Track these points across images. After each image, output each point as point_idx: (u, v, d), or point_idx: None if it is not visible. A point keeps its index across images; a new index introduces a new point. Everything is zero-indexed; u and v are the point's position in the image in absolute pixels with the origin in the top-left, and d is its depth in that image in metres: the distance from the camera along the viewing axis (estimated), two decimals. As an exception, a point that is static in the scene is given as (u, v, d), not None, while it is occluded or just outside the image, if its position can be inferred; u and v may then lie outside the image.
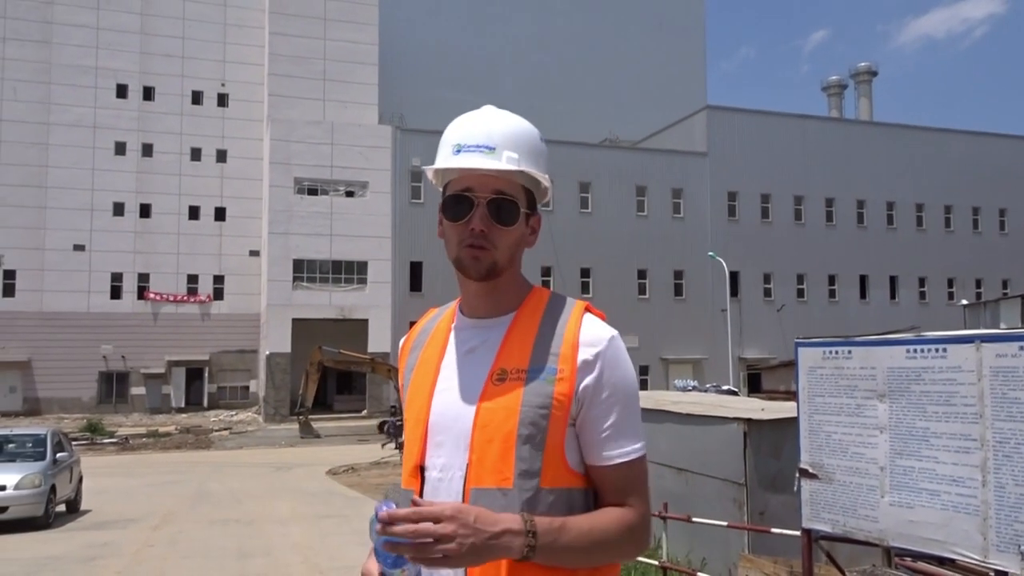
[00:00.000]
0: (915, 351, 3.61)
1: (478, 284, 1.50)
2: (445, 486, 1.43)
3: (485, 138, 1.47)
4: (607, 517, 1.43)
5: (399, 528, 1.22)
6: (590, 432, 1.45)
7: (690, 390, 24.03)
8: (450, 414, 1.46)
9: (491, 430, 1.41)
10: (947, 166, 49.63)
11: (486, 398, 1.44)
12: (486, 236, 1.46)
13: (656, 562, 6.78)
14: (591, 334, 1.47)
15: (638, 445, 1.47)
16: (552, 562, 1.36)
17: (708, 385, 31.01)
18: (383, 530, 1.23)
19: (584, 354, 1.45)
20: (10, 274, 42.52)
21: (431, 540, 1.22)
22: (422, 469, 1.47)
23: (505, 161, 1.46)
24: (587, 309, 1.52)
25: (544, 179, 1.52)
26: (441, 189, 1.57)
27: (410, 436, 1.52)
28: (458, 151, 1.48)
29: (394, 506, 1.25)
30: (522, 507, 1.37)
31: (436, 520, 1.23)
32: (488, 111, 1.53)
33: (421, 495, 1.45)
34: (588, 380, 1.44)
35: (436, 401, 1.49)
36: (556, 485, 1.41)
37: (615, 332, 1.50)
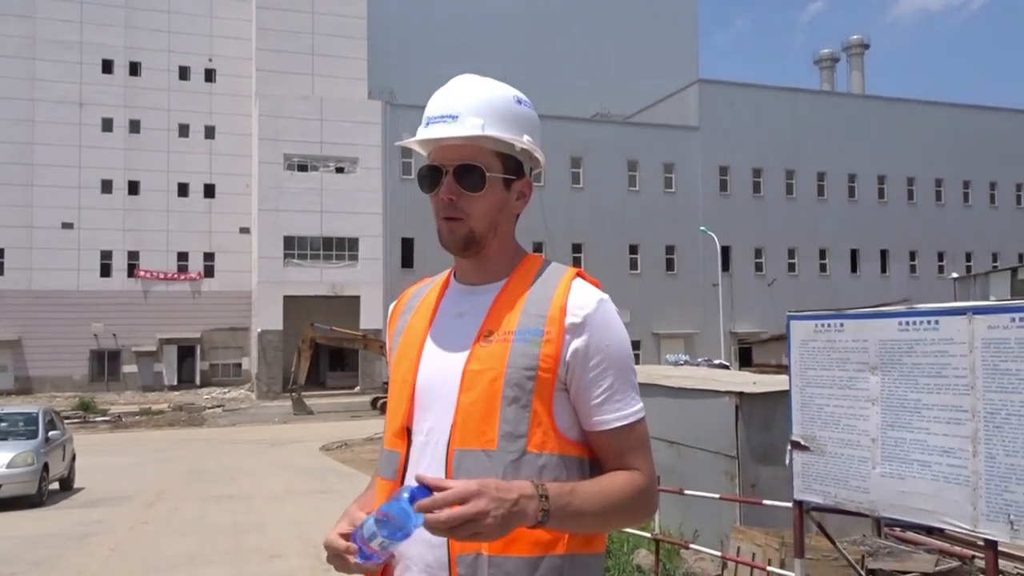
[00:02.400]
0: (907, 323, 3.62)
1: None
2: (431, 449, 1.43)
3: (449, 107, 1.48)
4: (616, 480, 1.43)
5: (436, 517, 1.22)
6: (584, 398, 1.44)
7: (682, 364, 24.15)
8: (437, 376, 1.46)
9: (476, 391, 1.41)
10: (938, 139, 49.64)
11: (472, 360, 1.43)
12: (455, 205, 1.47)
13: (648, 534, 6.83)
14: (580, 297, 1.46)
15: (636, 408, 1.47)
16: (565, 527, 1.36)
17: (700, 359, 31.17)
18: (424, 515, 1.23)
19: (572, 317, 1.44)
20: (-2, 252, 42.27)
21: (464, 522, 1.22)
22: (408, 431, 1.48)
23: (468, 128, 1.45)
24: (579, 275, 1.52)
25: (518, 141, 1.49)
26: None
27: (396, 397, 1.52)
28: (427, 124, 1.50)
29: (405, 499, 1.25)
30: (506, 469, 1.37)
31: (464, 500, 1.23)
32: (459, 81, 1.53)
33: (407, 457, 1.46)
34: (577, 343, 1.43)
35: (423, 364, 1.49)
36: (544, 450, 1.40)
37: (605, 296, 1.49)
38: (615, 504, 1.40)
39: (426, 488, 1.25)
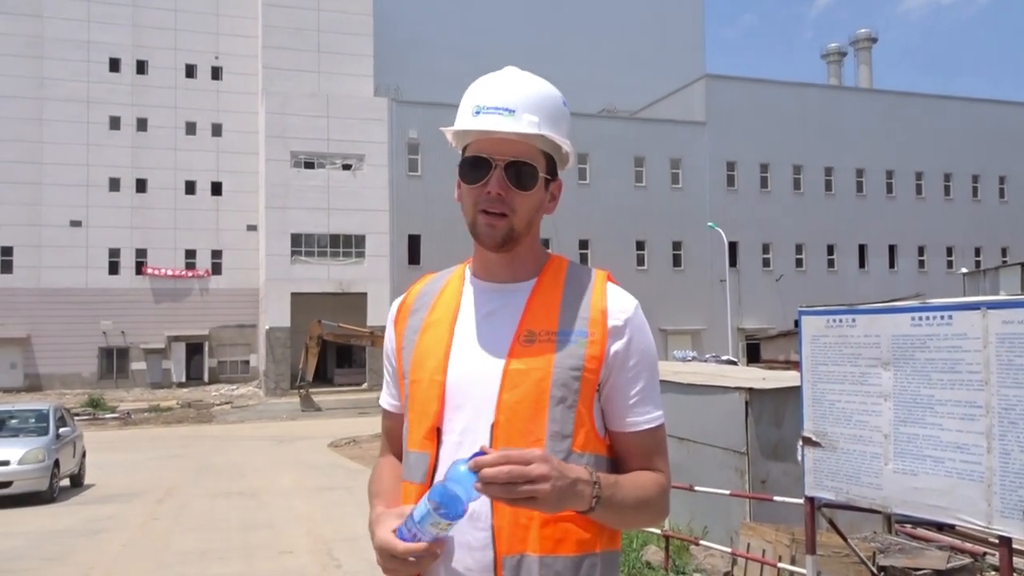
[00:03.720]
0: (920, 319, 3.60)
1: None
2: (466, 449, 1.40)
3: (505, 100, 1.44)
4: (647, 478, 1.46)
5: (495, 470, 1.21)
6: (618, 398, 1.46)
7: (690, 360, 24.11)
8: (472, 375, 1.43)
9: (521, 391, 1.40)
10: (946, 133, 49.37)
11: (514, 359, 1.42)
12: (503, 200, 1.44)
13: (658, 531, 6.83)
14: (619, 301, 1.49)
15: (660, 412, 1.51)
16: (606, 518, 1.38)
17: (708, 355, 31.12)
18: (483, 475, 1.22)
19: (614, 320, 1.46)
20: (7, 251, 42.40)
21: (523, 481, 1.22)
22: (438, 431, 1.44)
23: (525, 124, 1.43)
24: (609, 278, 1.54)
25: (565, 144, 1.49)
26: (460, 151, 1.53)
27: (423, 397, 1.47)
28: (477, 112, 1.45)
29: (462, 471, 1.25)
30: None
31: (526, 463, 1.23)
32: (510, 72, 1.49)
33: (436, 458, 1.43)
34: (618, 346, 1.45)
35: (454, 362, 1.45)
36: (586, 450, 1.42)
37: (637, 301, 1.52)
38: (646, 502, 1.43)
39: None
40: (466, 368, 1.44)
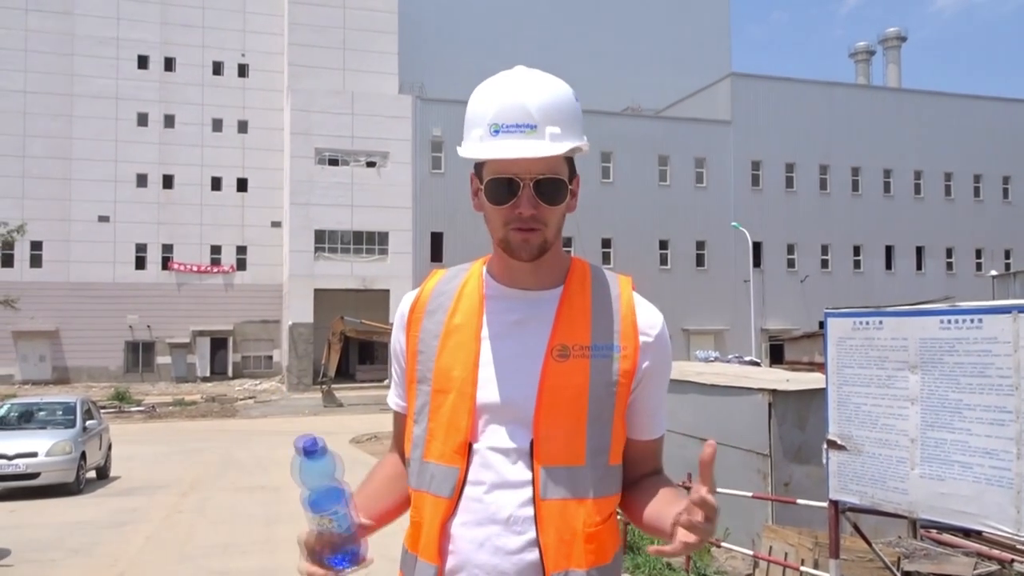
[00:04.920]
0: (949, 322, 3.54)
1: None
2: (500, 465, 1.39)
3: (524, 115, 1.36)
4: (669, 481, 1.53)
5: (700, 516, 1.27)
6: (643, 409, 1.49)
7: (712, 361, 23.96)
8: (506, 390, 1.40)
9: (560, 408, 1.39)
10: (976, 134, 48.62)
11: (550, 375, 1.40)
12: (535, 218, 1.40)
13: (679, 532, 6.78)
14: (648, 316, 1.50)
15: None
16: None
17: (730, 356, 30.91)
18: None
19: (644, 336, 1.47)
20: (37, 245, 43.04)
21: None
22: (470, 446, 1.41)
23: (549, 140, 1.36)
24: (632, 286, 1.55)
25: (586, 146, 1.45)
26: (474, 162, 1.48)
27: (451, 410, 1.42)
28: (496, 132, 1.37)
29: None
30: (596, 484, 1.40)
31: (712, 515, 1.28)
32: (521, 77, 1.41)
33: (466, 474, 1.40)
34: (648, 360, 1.46)
35: (484, 375, 1.42)
36: (618, 462, 1.45)
37: (663, 316, 1.54)
38: None
39: None
40: (499, 383, 1.41)
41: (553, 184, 1.41)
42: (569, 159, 1.47)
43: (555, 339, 1.42)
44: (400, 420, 1.59)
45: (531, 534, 1.36)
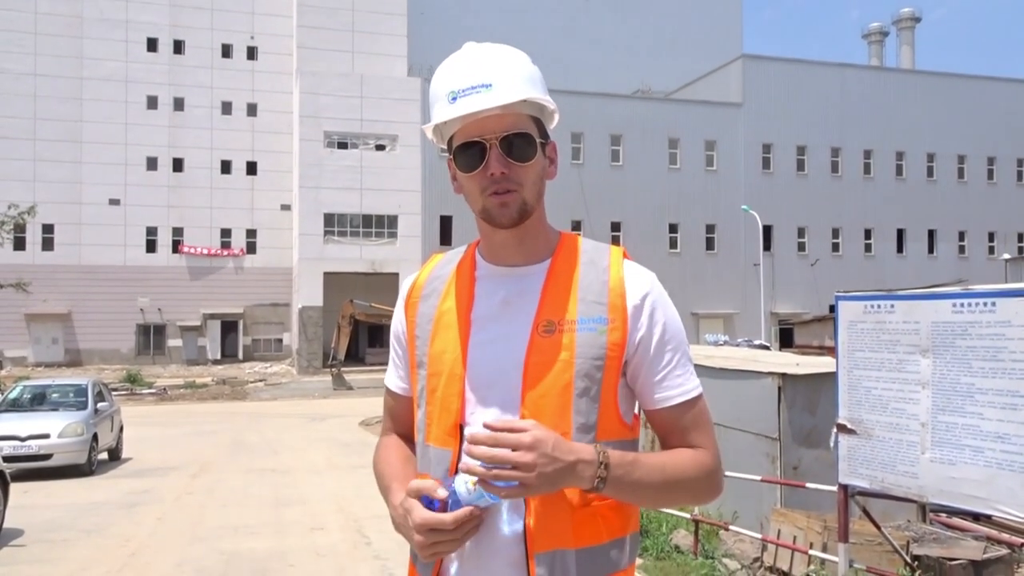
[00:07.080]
0: (962, 305, 3.51)
1: (507, 231, 1.43)
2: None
3: (478, 77, 1.37)
4: (681, 456, 1.42)
5: (477, 450, 1.23)
6: (645, 376, 1.43)
7: (721, 344, 23.91)
8: (493, 369, 1.40)
9: (545, 384, 1.36)
10: (990, 116, 48.11)
11: (535, 351, 1.38)
12: (508, 177, 1.38)
13: (688, 515, 6.80)
14: (636, 279, 1.45)
15: (696, 383, 1.46)
16: (623, 496, 1.36)
17: (740, 339, 30.84)
18: (467, 449, 1.26)
19: (632, 299, 1.42)
20: (49, 228, 43.26)
21: (508, 467, 1.22)
22: (461, 428, 1.40)
23: (506, 93, 1.36)
24: (624, 255, 1.49)
25: (549, 102, 1.44)
26: (445, 144, 1.48)
27: (443, 392, 1.42)
28: (454, 98, 1.38)
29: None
30: None
31: (514, 448, 1.23)
32: (471, 48, 1.42)
33: (459, 455, 1.39)
34: (639, 325, 1.41)
35: (473, 355, 1.41)
36: (609, 437, 1.39)
37: (654, 274, 1.48)
38: (678, 479, 1.39)
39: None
40: (486, 362, 1.40)
41: (520, 139, 1.39)
42: (538, 121, 1.44)
43: (541, 315, 1.40)
44: (399, 401, 1.59)
45: (519, 512, 1.35)
